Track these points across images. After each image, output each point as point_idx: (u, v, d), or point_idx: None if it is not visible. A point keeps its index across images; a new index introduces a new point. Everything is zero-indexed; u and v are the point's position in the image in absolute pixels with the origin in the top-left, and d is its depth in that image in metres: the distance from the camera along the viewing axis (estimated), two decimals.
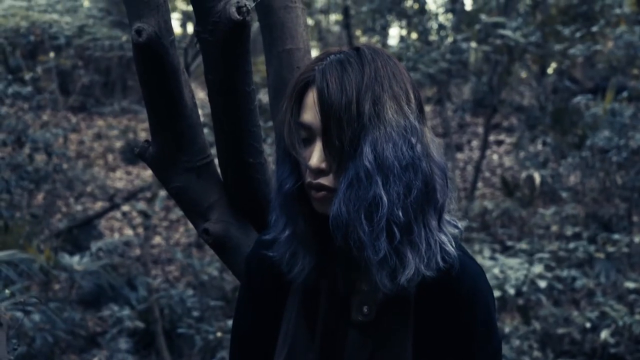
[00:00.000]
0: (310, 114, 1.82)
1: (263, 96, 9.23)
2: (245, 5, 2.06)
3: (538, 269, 8.35)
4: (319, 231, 1.87)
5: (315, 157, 1.80)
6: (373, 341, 1.89)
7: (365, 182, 1.74)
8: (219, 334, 9.12)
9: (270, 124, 5.98)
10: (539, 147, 13.02)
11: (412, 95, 1.83)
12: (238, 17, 2.04)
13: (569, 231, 10.52)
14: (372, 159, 1.74)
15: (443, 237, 1.84)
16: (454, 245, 1.86)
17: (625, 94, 11.06)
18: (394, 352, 1.88)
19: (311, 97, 1.82)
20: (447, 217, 1.88)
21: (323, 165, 1.80)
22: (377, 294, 1.87)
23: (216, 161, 2.39)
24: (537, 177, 11.95)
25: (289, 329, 1.97)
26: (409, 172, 1.76)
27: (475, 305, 1.87)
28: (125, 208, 13.64)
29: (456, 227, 1.91)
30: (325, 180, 1.81)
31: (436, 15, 14.52)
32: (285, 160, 1.90)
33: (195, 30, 2.15)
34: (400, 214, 1.75)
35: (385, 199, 1.74)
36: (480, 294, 1.88)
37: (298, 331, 1.95)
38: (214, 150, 2.37)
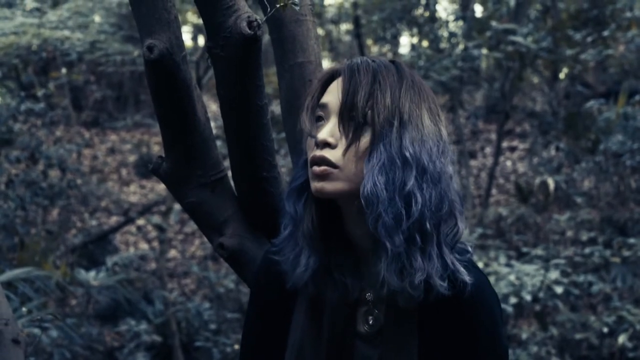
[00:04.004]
0: (330, 96, 1.86)
1: (275, 107, 9.25)
2: (256, 19, 2.07)
3: (554, 274, 8.33)
4: (325, 229, 1.88)
5: (326, 130, 1.82)
6: (379, 352, 1.90)
7: (402, 171, 1.76)
8: (236, 347, 9.13)
9: (282, 135, 5.98)
10: (553, 152, 12.99)
11: (440, 113, 1.88)
12: (249, 31, 2.05)
13: (584, 236, 10.48)
14: (412, 152, 1.77)
15: (455, 256, 1.84)
16: (466, 260, 1.87)
17: (637, 97, 11.01)
18: None
19: (335, 84, 1.86)
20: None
21: (331, 139, 1.81)
22: (382, 303, 1.88)
23: (230, 174, 2.39)
24: (551, 183, 11.91)
25: (296, 338, 1.97)
26: (442, 183, 1.79)
27: (480, 313, 1.87)
28: (140, 222, 13.67)
29: (466, 250, 1.91)
30: (329, 154, 1.81)
31: (447, 22, 14.52)
32: (300, 161, 1.93)
33: (206, 45, 2.16)
34: (427, 217, 1.77)
35: (419, 197, 1.76)
36: (485, 302, 1.88)
37: (305, 341, 1.96)
38: (227, 163, 2.37)
